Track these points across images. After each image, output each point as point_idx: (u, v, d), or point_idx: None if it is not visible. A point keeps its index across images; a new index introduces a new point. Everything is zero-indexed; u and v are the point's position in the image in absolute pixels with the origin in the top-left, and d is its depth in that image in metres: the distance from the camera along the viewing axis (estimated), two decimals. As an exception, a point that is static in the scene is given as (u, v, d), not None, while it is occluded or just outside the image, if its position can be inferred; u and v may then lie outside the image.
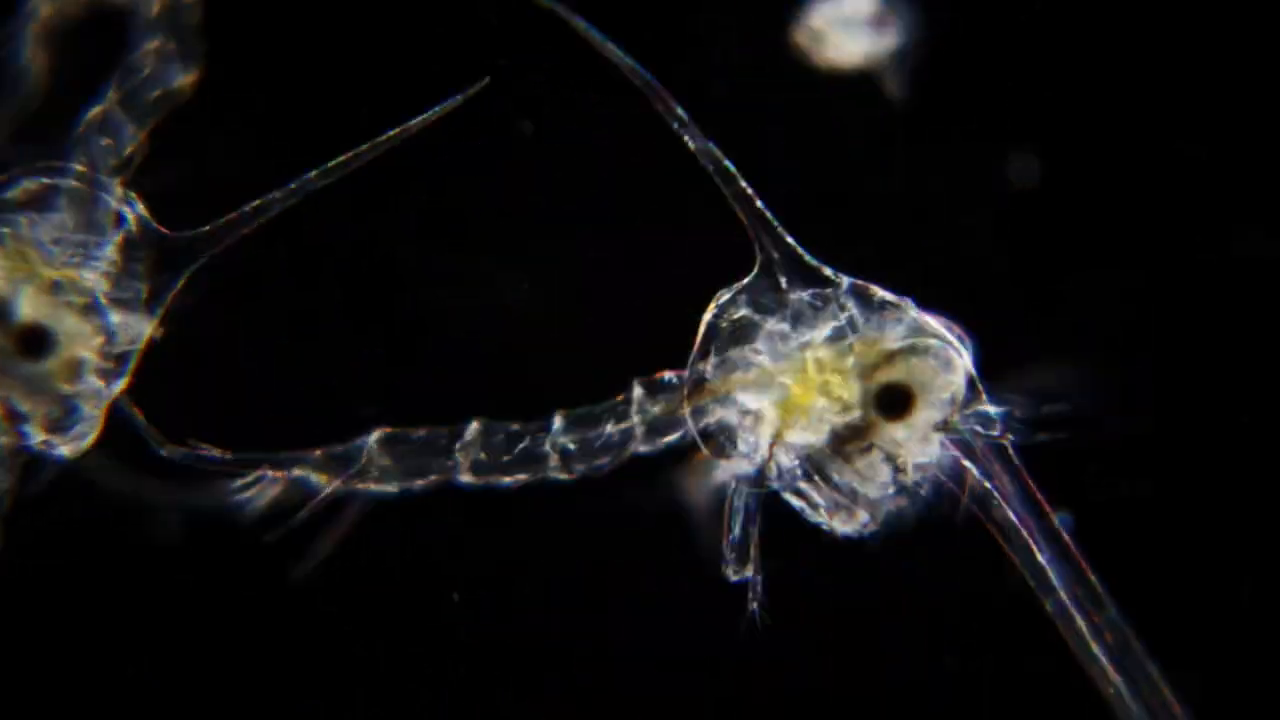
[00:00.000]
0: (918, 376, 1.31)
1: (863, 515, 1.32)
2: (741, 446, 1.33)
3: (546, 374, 1.47)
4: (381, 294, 1.52)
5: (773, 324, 1.34)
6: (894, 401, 1.30)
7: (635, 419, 1.35)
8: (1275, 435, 1.52)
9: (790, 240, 1.34)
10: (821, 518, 1.33)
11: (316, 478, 1.36)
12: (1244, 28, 1.52)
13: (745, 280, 1.35)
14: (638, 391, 1.36)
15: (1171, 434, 1.52)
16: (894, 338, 1.32)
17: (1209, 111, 1.53)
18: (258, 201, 1.33)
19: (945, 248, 1.53)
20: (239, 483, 1.35)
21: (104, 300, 1.31)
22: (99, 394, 1.31)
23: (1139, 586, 1.50)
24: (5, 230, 1.30)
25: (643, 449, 1.36)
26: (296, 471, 1.35)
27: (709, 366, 1.34)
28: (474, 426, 1.36)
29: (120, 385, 1.32)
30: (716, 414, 1.34)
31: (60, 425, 1.31)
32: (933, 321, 1.33)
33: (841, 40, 1.54)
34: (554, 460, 1.35)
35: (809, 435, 1.32)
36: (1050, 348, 1.51)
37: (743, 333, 1.34)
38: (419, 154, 1.38)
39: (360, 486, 1.36)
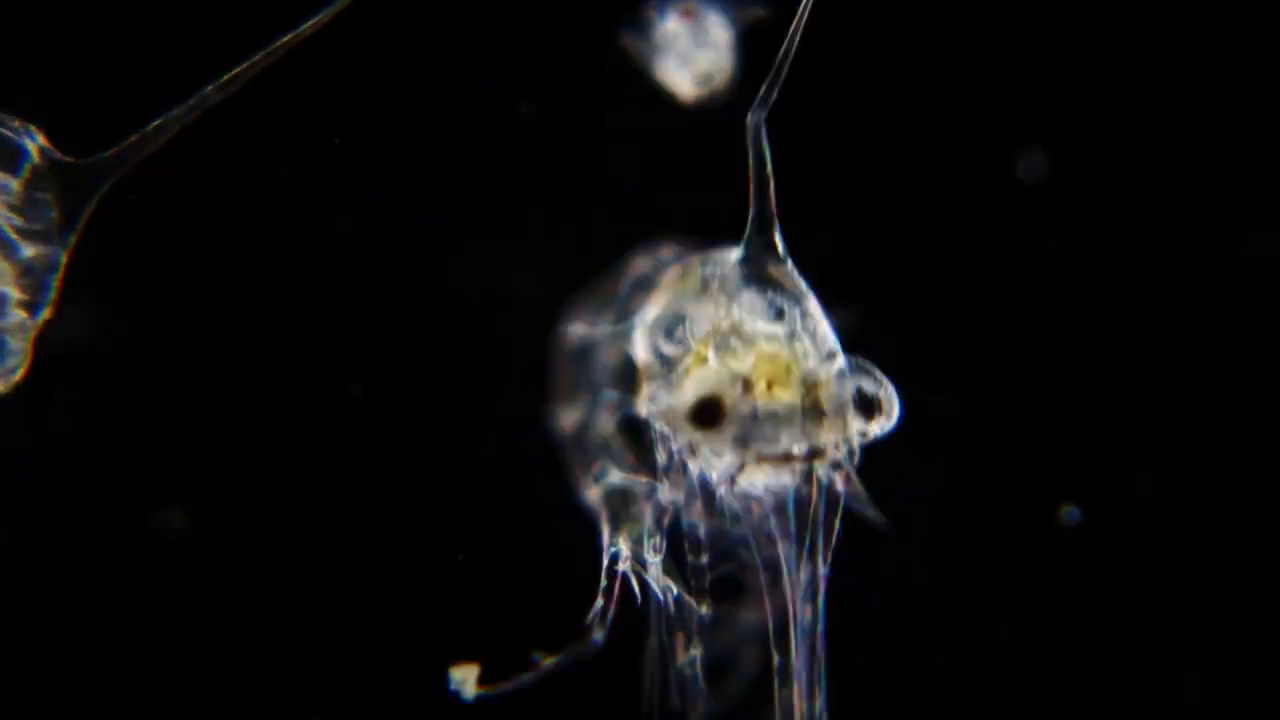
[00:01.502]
0: (829, 401, 1.30)
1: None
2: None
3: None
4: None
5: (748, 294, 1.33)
6: (705, 411, 1.30)
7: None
8: (1275, 435, 1.52)
9: (780, 243, 1.34)
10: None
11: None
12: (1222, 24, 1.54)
13: (731, 253, 1.34)
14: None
15: (1171, 434, 1.53)
16: (812, 367, 1.31)
17: (1181, 108, 1.54)
18: (159, 120, 1.31)
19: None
20: None
21: (15, 235, 1.30)
22: (23, 326, 1.30)
23: (1139, 586, 1.51)
24: None
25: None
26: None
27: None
28: None
29: (43, 316, 1.32)
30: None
31: None
32: (878, 384, 1.32)
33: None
34: None
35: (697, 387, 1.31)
36: (1050, 347, 1.53)
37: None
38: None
39: None
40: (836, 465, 1.31)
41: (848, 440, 1.31)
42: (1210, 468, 1.53)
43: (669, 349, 1.33)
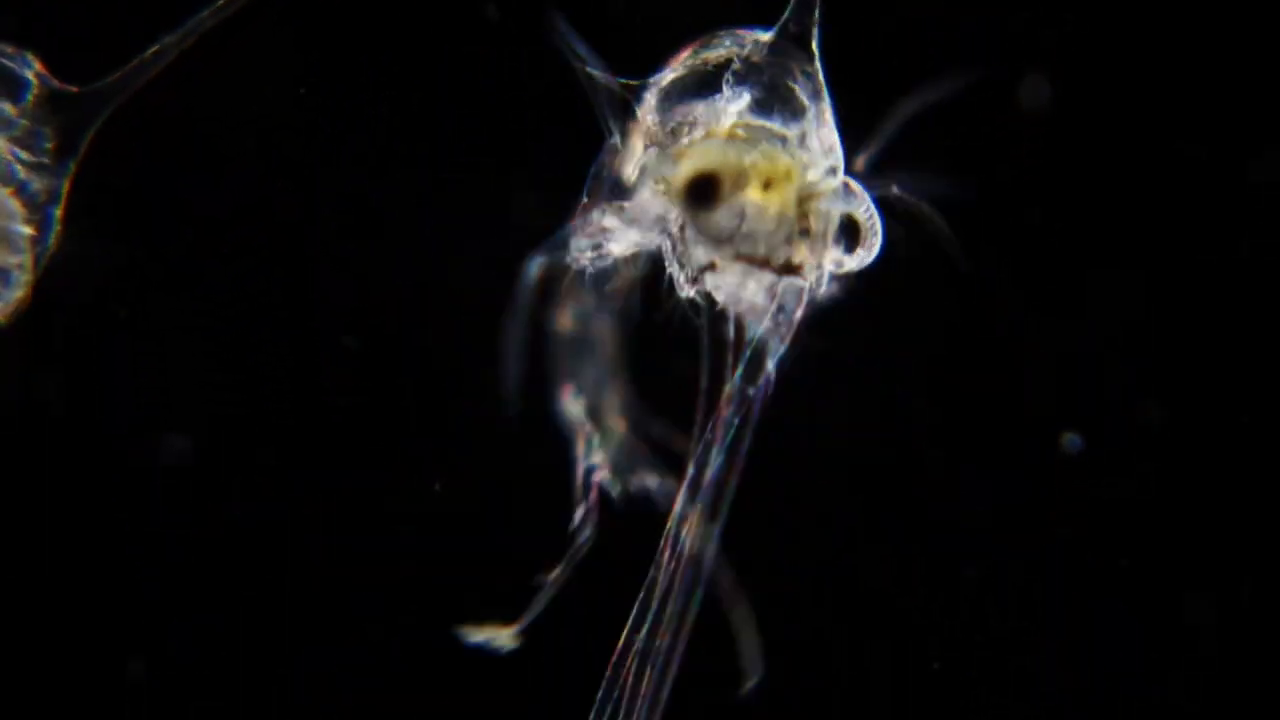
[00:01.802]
0: (755, 208, 1.27)
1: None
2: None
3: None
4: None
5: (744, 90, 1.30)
6: (701, 189, 1.27)
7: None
8: (1275, 435, 1.51)
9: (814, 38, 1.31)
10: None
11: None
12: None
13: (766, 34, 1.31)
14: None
15: (1170, 434, 1.52)
16: (821, 184, 1.29)
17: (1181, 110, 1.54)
18: (155, 47, 1.32)
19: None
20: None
21: (22, 171, 1.31)
22: (25, 258, 1.32)
23: (1139, 586, 1.49)
24: None
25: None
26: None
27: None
28: None
29: (48, 246, 1.34)
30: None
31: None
32: (866, 213, 1.29)
33: None
34: None
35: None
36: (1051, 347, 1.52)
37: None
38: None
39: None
40: (801, 289, 1.28)
41: (822, 264, 1.28)
42: (1210, 467, 1.52)
43: (676, 115, 1.30)
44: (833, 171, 1.28)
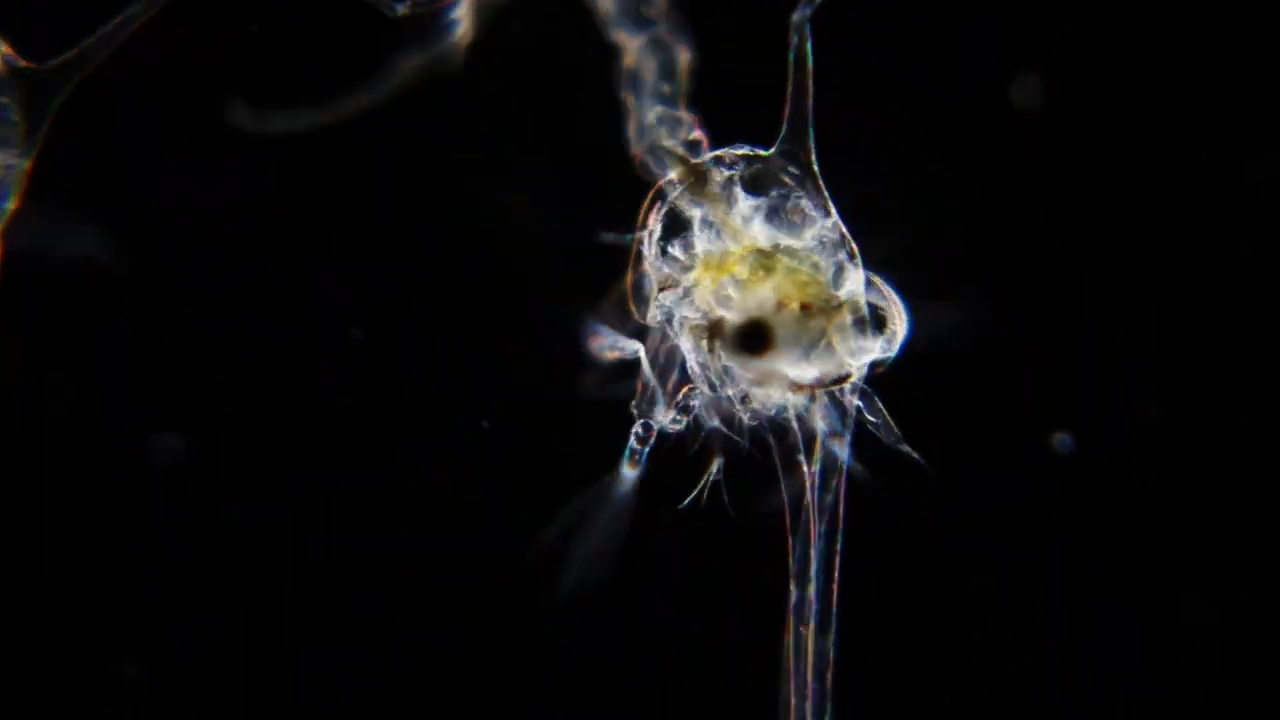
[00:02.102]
0: (803, 334, 1.29)
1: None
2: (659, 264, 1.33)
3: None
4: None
5: (747, 202, 1.33)
6: (752, 340, 1.29)
7: (662, 123, 1.35)
8: (1275, 435, 1.51)
9: (813, 154, 1.34)
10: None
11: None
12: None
13: (760, 152, 1.35)
14: (689, 119, 1.36)
15: (1169, 434, 1.52)
16: (827, 292, 1.31)
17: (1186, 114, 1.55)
18: (117, 18, 1.32)
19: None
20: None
21: None
22: None
23: (1138, 585, 1.49)
24: None
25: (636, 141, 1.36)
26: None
27: (717, 178, 1.34)
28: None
29: (9, 205, 1.33)
30: (680, 203, 1.33)
31: None
32: (865, 303, 1.32)
33: None
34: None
35: (699, 303, 1.31)
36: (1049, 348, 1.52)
37: (729, 186, 1.34)
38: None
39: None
40: (852, 387, 1.31)
41: (861, 360, 1.30)
42: (1209, 467, 1.52)
43: (683, 253, 1.33)
44: (849, 272, 1.31)
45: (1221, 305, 1.53)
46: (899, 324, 1.31)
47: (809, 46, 1.32)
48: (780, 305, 1.29)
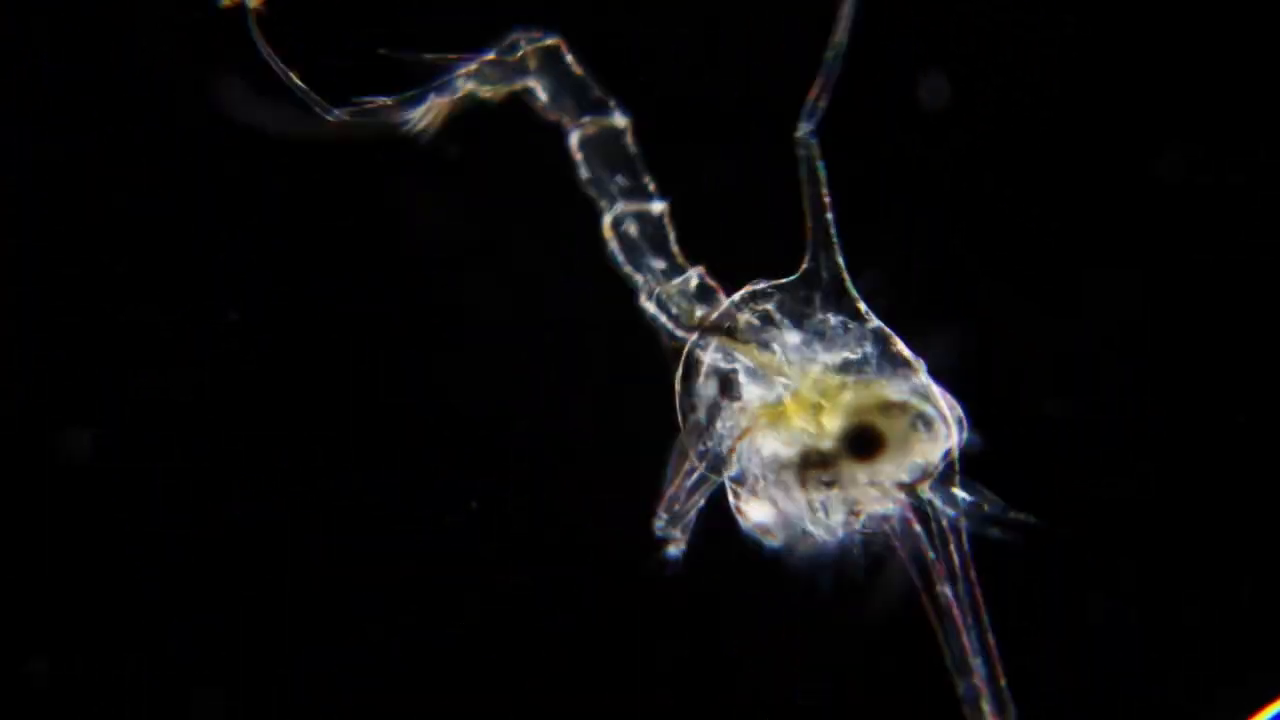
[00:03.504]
0: (899, 433, 1.30)
1: (778, 536, 1.33)
2: (718, 426, 1.33)
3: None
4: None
5: (791, 333, 1.34)
6: (865, 444, 1.30)
7: (671, 291, 1.36)
8: (1274, 435, 1.53)
9: (842, 264, 1.34)
10: (741, 513, 1.34)
11: (481, 88, 1.38)
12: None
13: (784, 280, 1.35)
14: (695, 273, 1.37)
15: (1168, 433, 1.54)
16: (896, 390, 1.32)
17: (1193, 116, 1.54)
18: None
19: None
20: (412, 115, 1.38)
21: None
22: None
23: (1137, 585, 1.52)
24: None
25: (648, 304, 1.37)
26: (459, 86, 1.38)
27: (742, 323, 1.34)
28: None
29: None
30: (710, 360, 1.34)
31: None
32: (938, 392, 1.33)
33: None
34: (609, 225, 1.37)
35: (780, 447, 1.32)
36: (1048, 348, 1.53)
37: (762, 327, 1.34)
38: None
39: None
40: (939, 483, 1.33)
41: (949, 444, 1.31)
42: (1208, 467, 1.54)
43: (738, 407, 1.33)
44: (905, 357, 1.32)
45: (1220, 305, 1.54)
46: (955, 404, 1.32)
47: (819, 162, 1.32)
48: (865, 411, 1.30)
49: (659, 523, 1.33)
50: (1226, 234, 1.54)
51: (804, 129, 1.34)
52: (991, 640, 1.30)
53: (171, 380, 1.50)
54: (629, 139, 1.40)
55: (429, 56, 1.40)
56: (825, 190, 1.33)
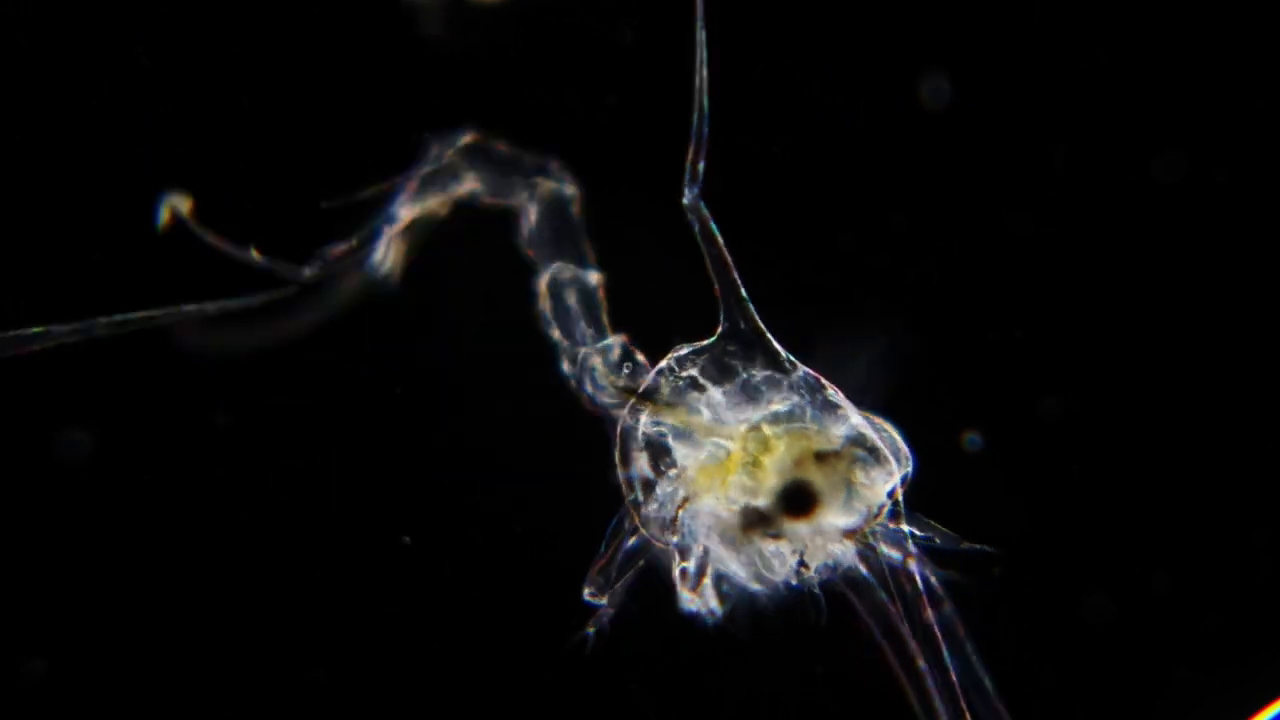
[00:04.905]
0: (836, 482, 1.29)
1: (710, 603, 1.32)
2: (658, 493, 1.34)
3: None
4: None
5: (718, 392, 1.33)
6: (802, 501, 1.29)
7: (595, 359, 1.38)
8: (1273, 435, 1.48)
9: (758, 319, 1.34)
10: (681, 589, 1.34)
11: (425, 205, 1.43)
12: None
13: (705, 342, 1.35)
14: (618, 341, 1.39)
15: (1167, 433, 1.50)
16: (828, 439, 1.30)
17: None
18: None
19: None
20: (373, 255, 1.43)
21: None
22: None
23: (1136, 584, 1.46)
24: None
25: (569, 368, 1.40)
26: (404, 213, 1.42)
27: (666, 390, 1.35)
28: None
29: None
30: (643, 430, 1.35)
31: None
32: (874, 431, 1.31)
33: None
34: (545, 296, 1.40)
35: (721, 509, 1.31)
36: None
37: (691, 390, 1.34)
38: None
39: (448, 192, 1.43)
40: (891, 512, 1.33)
41: (890, 484, 1.31)
42: (1208, 467, 1.50)
43: (673, 472, 1.34)
44: (836, 401, 1.31)
45: (1219, 305, 1.49)
46: (897, 440, 1.31)
47: (711, 224, 1.30)
48: (799, 464, 1.30)
49: (588, 589, 1.35)
50: (1225, 234, 1.49)
51: (689, 195, 1.33)
52: (956, 681, 1.29)
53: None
54: (575, 207, 1.42)
55: (368, 191, 1.42)
56: (724, 250, 1.32)
